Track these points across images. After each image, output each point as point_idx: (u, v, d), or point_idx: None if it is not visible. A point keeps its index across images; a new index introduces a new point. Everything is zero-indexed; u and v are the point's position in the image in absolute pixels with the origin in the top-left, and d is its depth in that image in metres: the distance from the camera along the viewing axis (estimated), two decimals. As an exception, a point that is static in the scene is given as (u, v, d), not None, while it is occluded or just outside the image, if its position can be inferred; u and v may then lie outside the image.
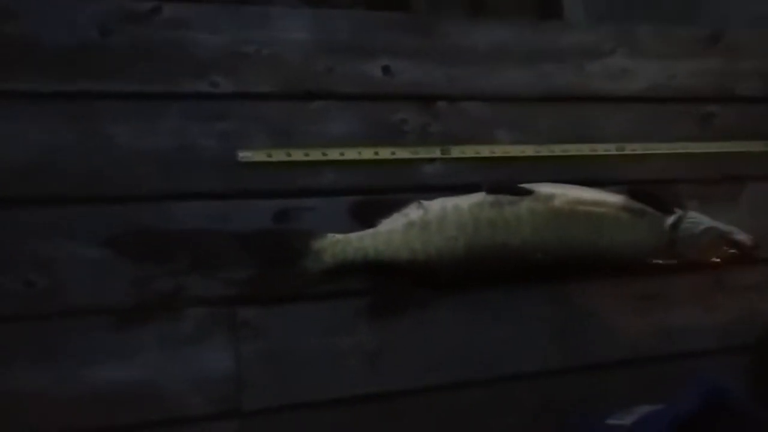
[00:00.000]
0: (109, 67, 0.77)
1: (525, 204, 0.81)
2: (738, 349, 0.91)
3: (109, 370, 0.70)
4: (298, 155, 0.80)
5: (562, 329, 0.86)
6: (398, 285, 0.79)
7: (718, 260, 0.88)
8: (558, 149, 0.91)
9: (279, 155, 0.79)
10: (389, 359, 0.78)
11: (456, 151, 0.86)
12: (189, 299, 0.74)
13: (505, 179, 0.84)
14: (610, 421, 0.73)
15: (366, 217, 0.80)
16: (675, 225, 0.86)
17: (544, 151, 0.90)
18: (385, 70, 0.87)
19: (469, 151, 0.87)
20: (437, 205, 0.80)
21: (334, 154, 0.81)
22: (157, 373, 0.71)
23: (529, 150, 0.89)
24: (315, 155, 0.81)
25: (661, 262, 0.87)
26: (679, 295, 0.91)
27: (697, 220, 0.87)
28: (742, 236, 0.88)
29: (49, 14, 0.76)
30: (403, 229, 0.79)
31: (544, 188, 0.83)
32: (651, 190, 0.88)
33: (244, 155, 0.78)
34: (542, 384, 0.83)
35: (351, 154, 0.82)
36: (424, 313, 0.81)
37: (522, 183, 0.84)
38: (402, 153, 0.84)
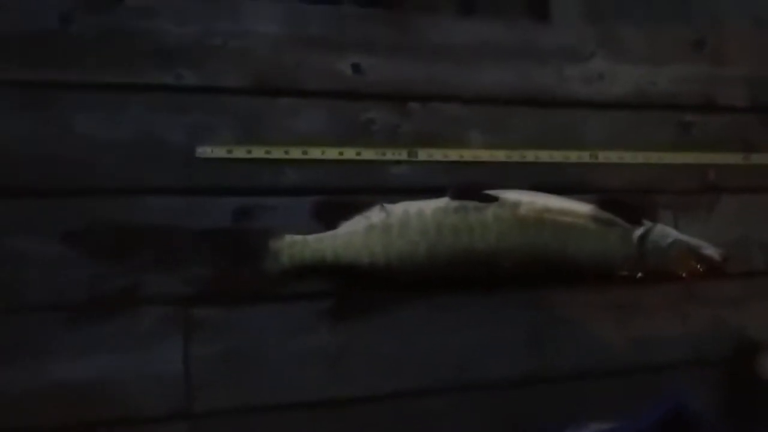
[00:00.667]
0: (70, 56, 0.76)
1: (490, 211, 0.80)
2: (711, 361, 0.91)
3: (63, 367, 0.69)
4: (259, 152, 0.79)
5: (533, 336, 0.85)
6: (360, 288, 0.78)
7: (685, 274, 0.87)
8: (530, 155, 0.89)
9: (240, 152, 0.78)
10: (350, 363, 0.78)
11: (423, 154, 0.85)
12: (145, 297, 0.73)
13: (472, 184, 0.82)
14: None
15: (328, 218, 0.79)
16: (643, 237, 0.85)
17: (516, 156, 0.88)
18: (356, 67, 0.86)
19: (437, 154, 0.85)
20: (400, 208, 0.79)
21: (296, 153, 0.80)
22: (111, 372, 0.71)
23: (500, 155, 0.88)
24: (277, 153, 0.79)
25: (627, 273, 0.85)
26: (653, 305, 0.91)
27: (665, 233, 0.86)
28: (710, 251, 0.86)
29: (10, 1, 0.74)
30: (363, 232, 0.77)
31: (511, 195, 0.82)
32: (621, 200, 0.87)
33: (203, 151, 0.77)
34: (510, 393, 0.83)
35: (314, 153, 0.81)
36: (387, 317, 0.80)
37: (492, 189, 0.83)
38: (367, 154, 0.83)
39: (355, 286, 0.78)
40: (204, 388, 0.73)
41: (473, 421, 0.80)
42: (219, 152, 0.77)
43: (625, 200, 0.88)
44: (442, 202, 0.80)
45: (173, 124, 0.78)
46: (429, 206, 0.80)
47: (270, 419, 0.74)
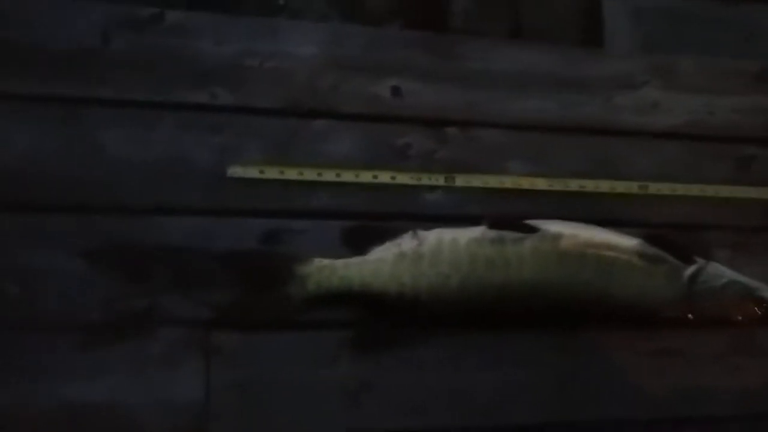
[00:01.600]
0: (107, 73, 0.76)
1: (529, 243, 0.76)
2: (763, 416, 0.83)
3: (74, 389, 0.67)
4: (291, 174, 0.77)
5: (565, 381, 0.79)
6: (385, 319, 0.75)
7: (740, 319, 0.80)
8: (574, 184, 0.85)
9: (272, 173, 0.76)
10: (371, 397, 0.74)
11: (461, 180, 0.81)
12: (163, 319, 0.71)
13: (511, 214, 0.79)
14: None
15: (358, 244, 0.76)
16: (694, 276, 0.79)
17: (558, 185, 0.84)
18: (395, 90, 0.84)
19: (476, 180, 0.82)
20: (433, 236, 0.76)
21: (329, 175, 0.78)
22: (123, 396, 0.68)
23: (541, 183, 0.84)
24: (309, 175, 0.77)
25: (675, 315, 0.79)
26: (702, 353, 0.84)
27: (720, 272, 0.80)
28: (769, 294, 0.79)
29: (52, 18, 0.75)
30: (393, 260, 0.74)
31: (553, 226, 0.78)
32: (671, 236, 0.81)
33: (234, 170, 0.75)
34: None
35: (348, 176, 0.78)
36: (411, 352, 0.76)
37: (530, 219, 0.79)
38: (402, 178, 0.80)
39: (382, 317, 0.74)
40: (220, 416, 0.70)
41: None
42: (251, 172, 0.76)
43: (676, 236, 0.82)
44: (478, 231, 0.76)
45: (205, 144, 0.77)
46: (464, 236, 0.76)
47: (286, 453, 0.71)
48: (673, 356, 0.83)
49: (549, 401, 0.79)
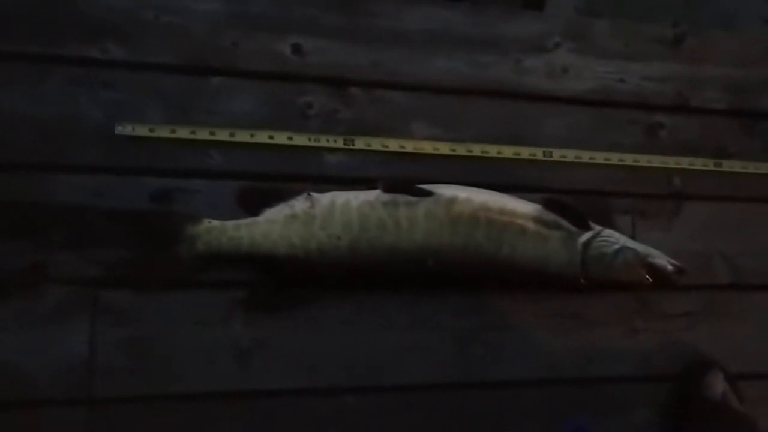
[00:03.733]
0: (-10, 24, 0.74)
1: (422, 206, 0.76)
2: (658, 378, 0.87)
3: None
4: (183, 132, 0.76)
5: (463, 342, 0.81)
6: (278, 279, 0.75)
7: (632, 284, 0.81)
8: (477, 149, 0.85)
9: (162, 131, 0.75)
10: (263, 357, 0.75)
11: (361, 143, 0.81)
12: (52, 277, 0.71)
13: (407, 177, 0.78)
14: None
15: (252, 205, 0.76)
16: (588, 243, 0.80)
17: (461, 150, 0.84)
18: (296, 48, 0.82)
19: (376, 143, 0.81)
20: (327, 199, 0.76)
21: (223, 135, 0.77)
22: (9, 353, 0.69)
23: (444, 148, 0.84)
24: (202, 134, 0.76)
25: (568, 280, 0.80)
26: (601, 316, 0.86)
27: (613, 239, 0.81)
28: (661, 261, 0.81)
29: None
30: (283, 222, 0.74)
31: (448, 190, 0.78)
32: (569, 202, 0.82)
33: (123, 129, 0.74)
34: (430, 398, 0.79)
35: (242, 135, 0.77)
36: (304, 313, 0.77)
37: (429, 183, 0.79)
38: (300, 139, 0.79)
39: (273, 278, 0.75)
40: (107, 373, 0.71)
41: (387, 424, 0.77)
42: (140, 131, 0.75)
43: (575, 202, 0.83)
44: (373, 194, 0.76)
45: (95, 100, 0.75)
46: (357, 198, 0.76)
47: (173, 409, 0.72)
48: (572, 318, 0.85)
49: (447, 362, 0.80)
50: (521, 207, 0.79)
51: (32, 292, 0.71)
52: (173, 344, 0.73)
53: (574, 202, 0.82)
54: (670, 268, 0.81)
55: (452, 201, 0.77)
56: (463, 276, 0.79)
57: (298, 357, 0.76)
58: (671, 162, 0.91)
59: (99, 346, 0.71)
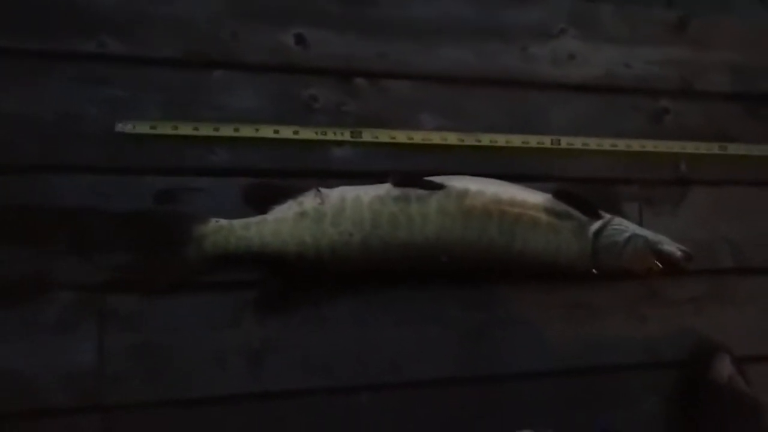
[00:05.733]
0: (-20, 20, 0.70)
1: (434, 200, 0.75)
2: (666, 364, 0.87)
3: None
4: (185, 129, 0.73)
5: (474, 336, 0.81)
6: (287, 279, 0.74)
7: (643, 272, 0.81)
8: (486, 139, 0.83)
9: (164, 128, 0.73)
10: (275, 358, 0.74)
11: (368, 135, 0.79)
12: (56, 283, 0.69)
13: (417, 170, 0.77)
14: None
15: (259, 202, 0.74)
16: (599, 232, 0.79)
17: (470, 140, 0.83)
18: (299, 38, 0.79)
19: (384, 135, 0.80)
20: (336, 194, 0.74)
21: (227, 131, 0.74)
22: (14, 363, 0.67)
23: (452, 138, 0.82)
24: (205, 130, 0.74)
25: (580, 270, 0.80)
26: (609, 304, 0.86)
27: (623, 227, 0.80)
28: (671, 248, 0.80)
29: None
30: (293, 219, 0.72)
31: (459, 183, 0.76)
32: (579, 191, 0.81)
33: (124, 127, 0.71)
34: (443, 393, 0.79)
35: (247, 131, 0.75)
36: (315, 311, 0.76)
37: (440, 175, 0.77)
38: (306, 133, 0.77)
39: (283, 277, 0.73)
40: (117, 380, 0.69)
41: (402, 421, 0.76)
42: (141, 128, 0.72)
43: (581, 191, 0.82)
44: (383, 189, 0.75)
45: (94, 98, 0.72)
46: (368, 193, 0.74)
47: (185, 414, 0.71)
48: (580, 308, 0.85)
49: (458, 356, 0.80)
50: (532, 198, 0.78)
51: (37, 300, 0.69)
52: (183, 348, 0.72)
53: (583, 191, 0.82)
54: (679, 254, 0.80)
55: (464, 194, 0.75)
56: (475, 271, 0.78)
57: (310, 357, 0.75)
58: (677, 147, 0.90)
59: (108, 353, 0.69)
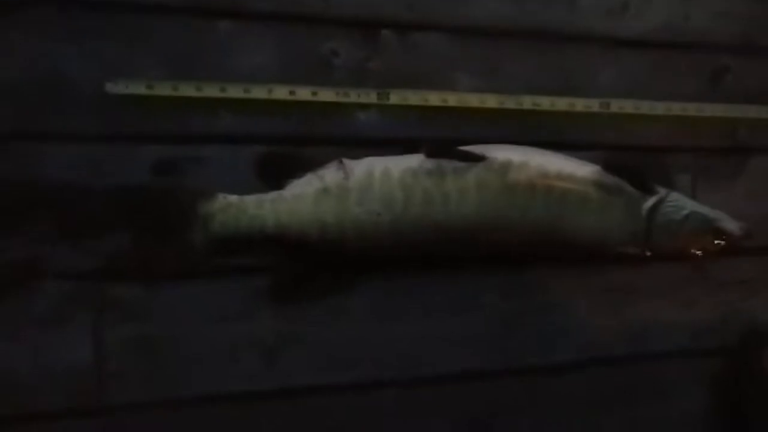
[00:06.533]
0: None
1: (473, 173, 0.65)
2: (714, 352, 0.80)
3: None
4: (187, 89, 0.63)
5: (508, 324, 0.73)
6: (305, 264, 0.65)
7: (699, 252, 0.73)
8: (528, 102, 0.73)
9: (163, 88, 0.62)
10: (291, 352, 0.66)
11: (396, 97, 0.69)
12: (45, 272, 0.60)
13: (453, 140, 0.67)
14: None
15: (273, 175, 0.65)
16: (654, 208, 0.71)
17: (510, 103, 0.73)
18: (318, -16, 0.68)
19: (414, 97, 0.70)
20: (362, 167, 0.65)
21: (236, 91, 0.64)
22: (4, 360, 0.59)
23: (491, 101, 0.72)
24: (211, 91, 0.64)
25: (633, 251, 0.71)
26: (653, 287, 0.79)
27: (681, 203, 0.72)
28: (731, 225, 0.72)
29: None
30: (314, 196, 0.63)
31: (501, 153, 0.67)
32: (631, 162, 0.72)
33: (115, 87, 0.61)
34: (476, 387, 0.72)
35: (259, 91, 0.65)
36: (336, 300, 0.68)
37: (477, 143, 0.68)
38: (326, 95, 0.67)
39: (300, 262, 0.64)
40: (117, 378, 0.61)
41: (429, 418, 0.69)
42: (136, 88, 0.62)
43: (636, 161, 0.73)
44: (415, 160, 0.65)
45: (76, 53, 0.62)
46: (398, 166, 0.65)
47: (194, 413, 0.63)
48: (624, 292, 0.78)
49: (491, 347, 0.73)
50: (580, 170, 0.69)
51: (26, 291, 0.60)
52: (190, 342, 0.64)
53: (633, 161, 0.73)
54: (739, 232, 0.72)
55: (506, 167, 0.66)
56: (519, 252, 0.69)
57: (329, 350, 0.67)
58: (737, 111, 0.81)
59: (107, 348, 0.61)
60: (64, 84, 0.61)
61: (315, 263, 0.65)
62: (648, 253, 0.72)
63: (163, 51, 0.64)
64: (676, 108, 0.78)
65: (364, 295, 0.68)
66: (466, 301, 0.71)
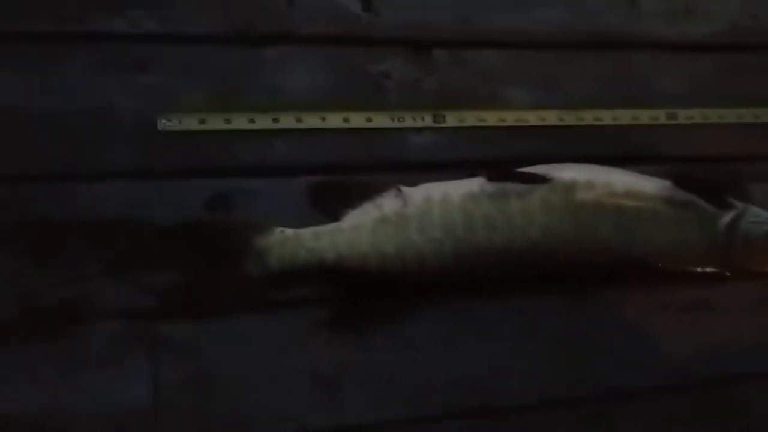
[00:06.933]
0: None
1: (537, 195, 0.62)
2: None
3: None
4: (240, 122, 0.61)
5: (577, 347, 0.69)
6: (364, 294, 0.62)
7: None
8: (589, 116, 0.70)
9: (215, 122, 0.61)
10: (352, 385, 0.63)
11: (453, 118, 0.66)
12: (95, 311, 0.58)
13: (513, 159, 0.64)
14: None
15: (329, 205, 0.62)
16: (733, 224, 0.66)
17: (570, 119, 0.69)
18: (366, 4, 0.66)
19: (471, 117, 0.67)
20: (420, 194, 0.62)
21: (288, 121, 0.62)
22: (53, 405, 0.57)
23: (550, 117, 0.69)
24: (263, 122, 0.62)
25: (711, 270, 0.67)
26: (731, 306, 0.73)
27: (761, 218, 0.67)
28: (817, 240, 0.67)
29: None
30: (372, 227, 0.61)
31: (565, 173, 0.64)
32: (704, 175, 0.68)
33: (168, 122, 0.60)
34: (545, 419, 0.67)
35: (312, 120, 0.63)
36: (397, 330, 0.64)
37: (536, 162, 0.65)
38: (381, 120, 0.65)
39: (359, 293, 0.62)
40: (174, 419, 0.59)
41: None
42: (189, 123, 0.60)
43: (709, 174, 0.69)
44: (476, 184, 0.62)
45: (126, 87, 0.61)
46: (457, 191, 0.62)
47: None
48: (700, 311, 0.73)
49: (560, 374, 0.68)
50: (650, 186, 0.66)
51: (76, 331, 0.58)
52: (248, 377, 0.61)
53: (705, 173, 0.69)
54: (826, 248, 0.67)
55: (572, 187, 0.63)
56: (587, 275, 0.66)
57: (393, 383, 0.64)
58: (814, 115, 0.76)
59: (163, 387, 0.59)
60: (114, 120, 0.60)
61: (373, 293, 0.62)
62: (727, 274, 0.67)
63: (213, 81, 0.63)
64: (748, 114, 0.74)
65: (425, 322, 0.64)
66: (532, 326, 0.67)
